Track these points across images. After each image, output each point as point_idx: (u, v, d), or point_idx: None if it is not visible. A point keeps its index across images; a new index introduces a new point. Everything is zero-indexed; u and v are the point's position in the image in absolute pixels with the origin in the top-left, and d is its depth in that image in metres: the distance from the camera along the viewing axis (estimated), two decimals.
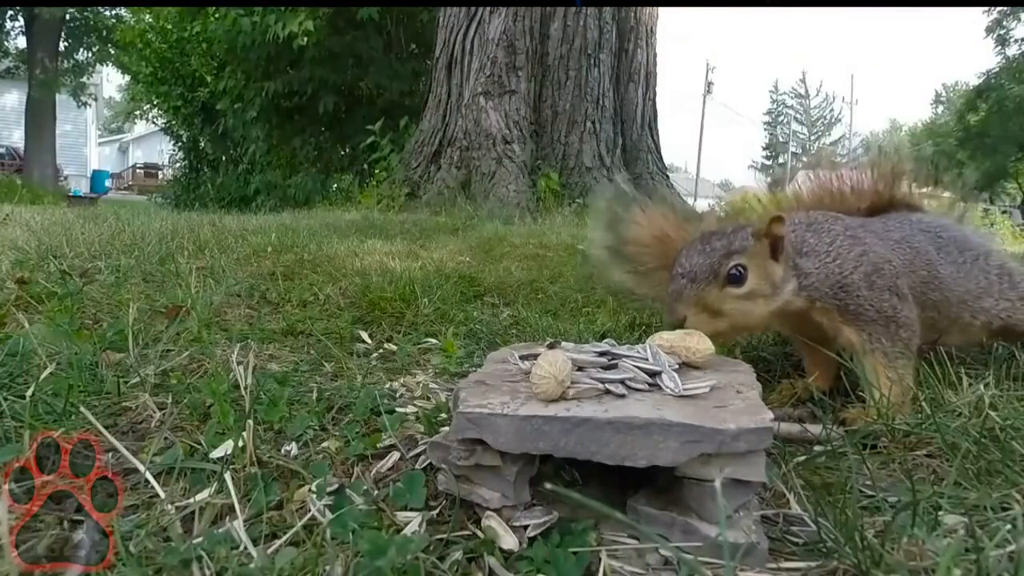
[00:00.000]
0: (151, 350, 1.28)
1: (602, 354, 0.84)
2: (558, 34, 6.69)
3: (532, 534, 0.70)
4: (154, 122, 18.86)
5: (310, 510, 0.73)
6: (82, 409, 0.84)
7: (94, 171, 25.68)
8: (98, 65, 20.78)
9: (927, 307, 1.18)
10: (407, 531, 0.71)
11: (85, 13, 18.90)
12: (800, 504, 0.79)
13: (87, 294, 1.69)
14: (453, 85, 6.76)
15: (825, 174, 1.40)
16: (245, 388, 0.93)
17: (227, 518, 0.72)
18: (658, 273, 1.23)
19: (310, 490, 0.77)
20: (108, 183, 26.01)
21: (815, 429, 1.00)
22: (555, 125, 6.70)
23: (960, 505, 0.76)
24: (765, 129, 51.07)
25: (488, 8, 6.53)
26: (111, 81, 31.45)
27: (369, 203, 6.15)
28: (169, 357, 1.25)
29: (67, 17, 18.48)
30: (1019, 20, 20.88)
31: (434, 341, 1.53)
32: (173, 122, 14.67)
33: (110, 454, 0.85)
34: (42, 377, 0.95)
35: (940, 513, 0.74)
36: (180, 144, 14.61)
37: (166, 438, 0.91)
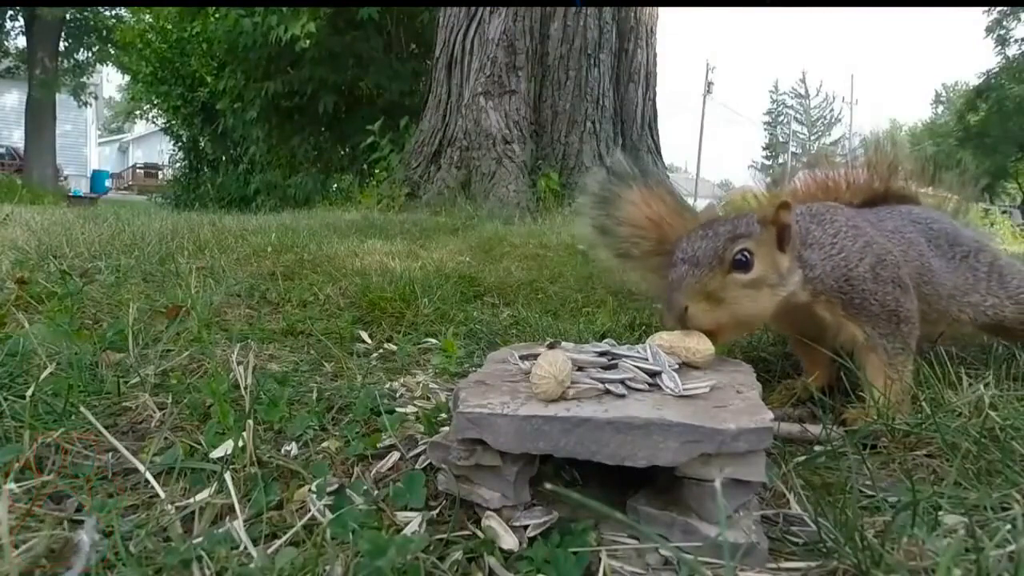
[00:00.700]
0: (151, 350, 1.28)
1: (602, 354, 0.84)
2: (558, 34, 6.69)
3: (532, 534, 0.70)
4: (154, 122, 18.88)
5: (310, 510, 0.73)
6: (82, 409, 0.84)
7: (94, 171, 25.68)
8: (98, 65, 20.78)
9: (920, 299, 1.17)
10: (407, 531, 0.71)
11: (85, 13, 18.90)
12: (800, 504, 0.79)
13: (87, 294, 1.69)
14: (453, 85, 6.75)
15: (820, 170, 1.40)
16: (245, 388, 0.94)
17: (227, 518, 0.72)
18: (651, 259, 1.17)
19: (310, 490, 0.77)
20: (108, 183, 26.01)
21: (815, 429, 1.00)
22: (555, 125, 6.70)
23: (960, 505, 0.76)
24: (765, 129, 51.08)
25: (488, 8, 6.53)
26: (111, 81, 31.46)
27: (369, 203, 6.15)
28: (169, 357, 1.25)
29: (67, 17, 18.48)
30: (1019, 20, 20.88)
31: (434, 341, 1.53)
32: (173, 122, 14.68)
33: (110, 454, 0.85)
34: (42, 377, 0.95)
35: (940, 513, 0.74)
36: (180, 144, 14.61)
37: (166, 438, 0.91)
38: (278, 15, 8.61)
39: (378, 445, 0.93)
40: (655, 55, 7.38)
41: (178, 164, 15.24)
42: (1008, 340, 1.40)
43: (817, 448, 0.96)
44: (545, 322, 1.69)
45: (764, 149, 51.18)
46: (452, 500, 0.76)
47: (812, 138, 48.78)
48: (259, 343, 1.45)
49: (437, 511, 0.77)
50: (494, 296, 2.04)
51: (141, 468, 0.78)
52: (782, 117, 50.76)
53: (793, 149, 45.77)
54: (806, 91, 50.05)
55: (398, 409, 1.05)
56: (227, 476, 0.76)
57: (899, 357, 1.08)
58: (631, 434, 0.68)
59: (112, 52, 18.56)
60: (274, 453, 0.88)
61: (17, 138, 21.25)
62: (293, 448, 0.92)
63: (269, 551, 0.66)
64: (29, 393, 0.86)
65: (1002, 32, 21.56)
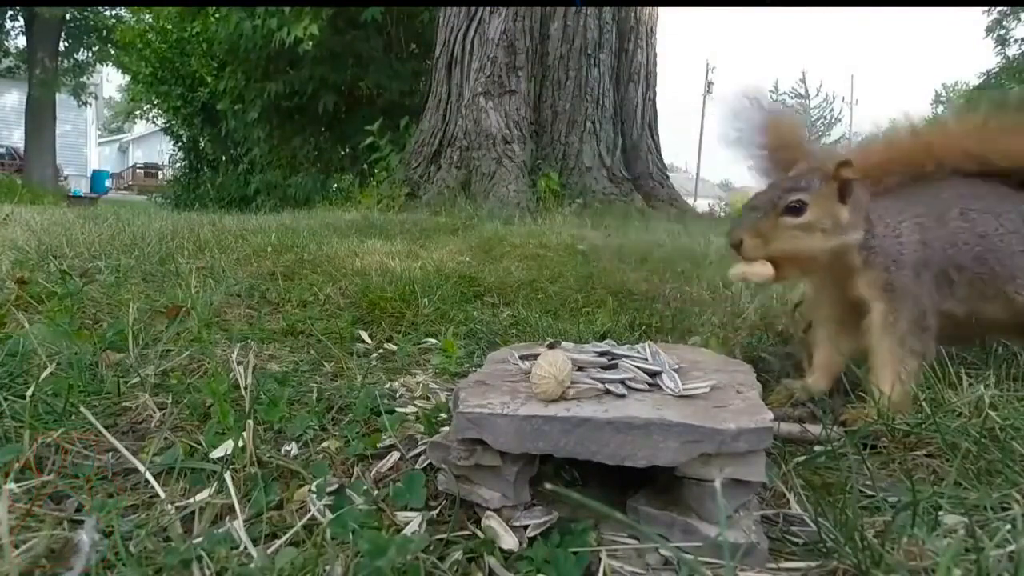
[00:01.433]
0: (151, 350, 1.28)
1: (602, 354, 0.84)
2: (558, 34, 6.69)
3: (532, 534, 0.70)
4: (154, 122, 18.86)
5: (310, 510, 0.73)
6: (82, 409, 0.84)
7: (94, 171, 25.66)
8: (98, 65, 20.76)
9: (979, 277, 1.19)
10: (407, 531, 0.71)
11: (85, 13, 18.89)
12: (800, 504, 0.79)
13: (87, 294, 1.69)
14: (453, 85, 6.75)
15: (899, 132, 1.31)
16: (245, 388, 0.93)
17: (227, 518, 0.72)
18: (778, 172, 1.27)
19: (310, 490, 0.77)
20: (108, 183, 25.99)
21: (815, 429, 1.00)
22: (555, 125, 6.70)
23: (960, 505, 0.76)
24: None
25: (488, 8, 6.53)
26: (111, 81, 31.49)
27: (369, 203, 6.15)
28: (169, 357, 1.25)
29: (67, 17, 18.46)
30: (1019, 20, 20.87)
31: (434, 341, 1.53)
32: (173, 122, 14.67)
33: (110, 454, 0.85)
34: (42, 377, 0.95)
35: (940, 513, 0.74)
36: (180, 144, 14.60)
37: (166, 438, 0.91)
38: (278, 17, 8.59)
39: (378, 445, 0.93)
40: (655, 55, 7.38)
41: (178, 164, 15.23)
42: None
43: (817, 448, 0.96)
44: (545, 322, 1.69)
45: None
46: (452, 500, 0.76)
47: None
48: (259, 343, 1.45)
49: (437, 511, 0.77)
50: (494, 296, 2.04)
51: (141, 468, 0.78)
52: None
53: None
54: (806, 91, 50.02)
55: (398, 409, 1.05)
56: (227, 476, 0.76)
57: (911, 358, 1.12)
58: (631, 434, 0.68)
59: (112, 52, 18.54)
60: (274, 453, 0.88)
61: (17, 138, 21.24)
62: (293, 448, 0.92)
63: (269, 551, 0.66)
64: (29, 393, 0.86)
65: (1002, 32, 21.54)
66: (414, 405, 1.09)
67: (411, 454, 0.91)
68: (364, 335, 1.55)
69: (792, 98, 50.62)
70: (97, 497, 0.75)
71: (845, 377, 1.27)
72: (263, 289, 1.93)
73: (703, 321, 1.68)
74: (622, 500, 0.74)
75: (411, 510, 0.76)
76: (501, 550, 0.68)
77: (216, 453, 0.85)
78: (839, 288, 1.20)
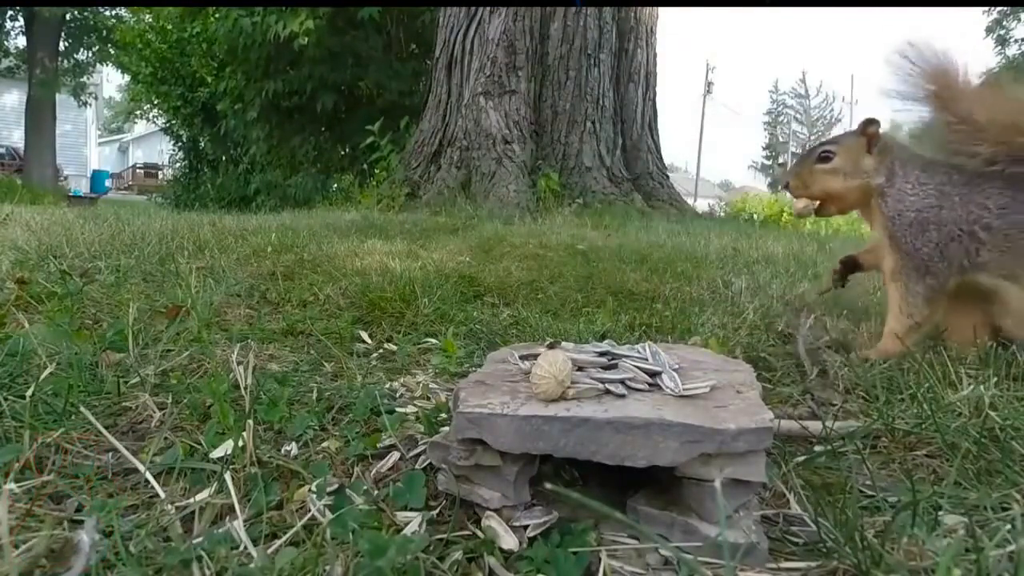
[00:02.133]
0: (151, 350, 1.28)
1: (602, 354, 0.84)
2: (558, 34, 6.70)
3: (532, 534, 0.70)
4: (154, 122, 18.88)
5: (310, 510, 0.73)
6: (82, 409, 0.84)
7: (94, 171, 25.65)
8: (98, 65, 20.75)
9: (1008, 241, 1.29)
10: (407, 531, 0.71)
11: (85, 13, 18.87)
12: (800, 504, 0.79)
13: (87, 294, 1.69)
14: (453, 85, 6.76)
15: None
16: (245, 388, 0.93)
17: (227, 518, 0.72)
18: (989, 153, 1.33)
19: (310, 490, 0.77)
20: (108, 183, 25.97)
21: (815, 427, 1.00)
22: (555, 125, 6.70)
23: (960, 505, 0.76)
24: (765, 129, 51.07)
25: (488, 8, 6.53)
26: (111, 81, 31.46)
27: (369, 203, 6.14)
28: (169, 357, 1.25)
29: (67, 17, 18.46)
30: (1019, 20, 20.86)
31: (434, 341, 1.53)
32: (173, 122, 14.67)
33: (110, 454, 0.85)
34: (42, 377, 0.95)
35: (940, 513, 0.74)
36: (180, 144, 14.61)
37: (166, 438, 0.91)
38: (277, 13, 8.61)
39: (378, 445, 0.93)
40: (655, 55, 7.39)
41: (178, 164, 15.24)
42: None
43: (817, 448, 0.96)
44: (545, 322, 1.69)
45: (764, 149, 51.18)
46: (452, 500, 0.76)
47: (812, 138, 48.71)
48: (259, 343, 1.45)
49: (437, 511, 0.77)
50: (494, 296, 2.04)
51: (141, 468, 0.78)
52: (782, 117, 50.76)
53: (793, 149, 45.74)
54: (806, 91, 50.04)
55: (398, 409, 1.05)
56: (227, 476, 0.76)
57: (915, 300, 1.32)
58: (631, 434, 0.68)
59: (112, 52, 18.53)
60: (274, 453, 0.88)
61: (17, 138, 21.24)
62: (293, 448, 0.92)
63: (269, 551, 0.66)
64: (29, 393, 0.86)
65: (1002, 32, 21.52)
66: (414, 405, 1.09)
67: (411, 454, 0.91)
68: (364, 335, 1.55)
69: (792, 98, 50.59)
70: (97, 497, 0.75)
71: (845, 377, 1.27)
72: (263, 289, 1.93)
73: (703, 321, 1.68)
74: (622, 500, 0.74)
75: (411, 510, 0.76)
76: (501, 550, 0.68)
77: (216, 453, 0.85)
78: (876, 221, 1.41)
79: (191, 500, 0.74)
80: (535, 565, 0.65)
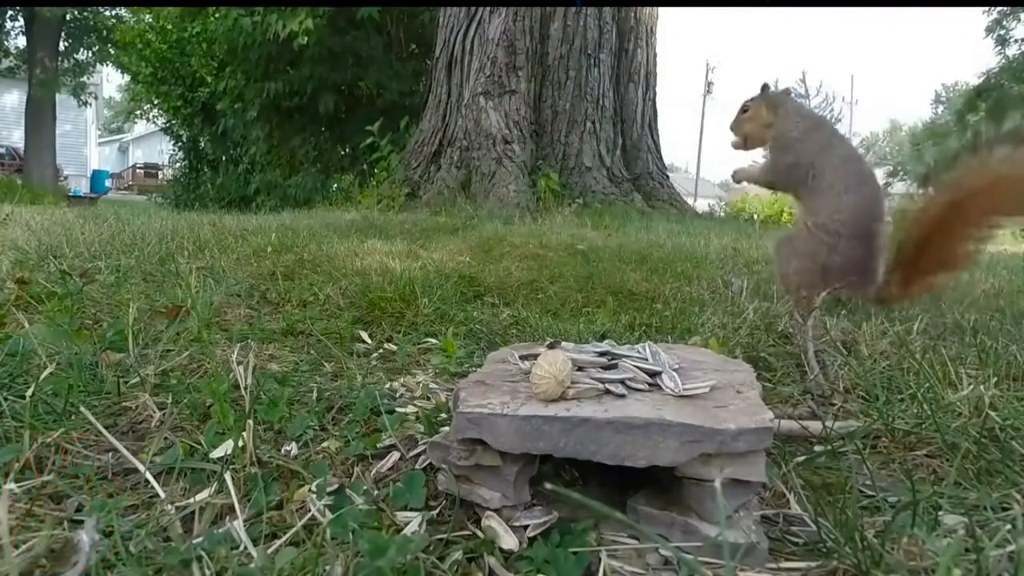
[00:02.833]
0: (151, 350, 1.29)
1: (602, 354, 0.84)
2: (558, 34, 6.70)
3: (532, 534, 0.70)
4: (154, 122, 18.86)
5: (310, 510, 0.73)
6: (82, 409, 0.84)
7: (94, 171, 25.64)
8: (98, 65, 20.75)
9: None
10: (407, 531, 0.71)
11: (85, 13, 18.87)
12: (800, 504, 0.79)
13: (87, 294, 1.69)
14: (453, 85, 6.76)
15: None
16: (245, 388, 0.93)
17: (227, 518, 0.71)
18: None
19: (310, 490, 0.77)
20: (108, 183, 25.97)
21: (815, 427, 1.00)
22: (555, 125, 6.70)
23: (960, 505, 0.76)
24: None
25: (488, 8, 6.54)
26: (111, 81, 31.41)
27: (369, 203, 6.15)
28: (169, 357, 1.25)
29: (67, 17, 18.45)
30: (1019, 20, 20.84)
31: (434, 341, 1.53)
32: (173, 122, 14.67)
33: (110, 454, 0.85)
34: (42, 377, 0.95)
35: (940, 513, 0.74)
36: (180, 144, 14.60)
37: (166, 438, 0.91)
38: (277, 12, 8.61)
39: (378, 445, 0.93)
40: (655, 55, 7.39)
41: (178, 164, 15.22)
42: None
43: (817, 448, 0.96)
44: (545, 322, 1.69)
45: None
46: (452, 500, 0.76)
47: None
48: (259, 343, 1.45)
49: (437, 511, 0.77)
50: (494, 296, 2.04)
51: (141, 468, 0.78)
52: None
53: None
54: (806, 91, 49.94)
55: (398, 409, 1.05)
56: (227, 476, 0.76)
57: (765, 178, 1.91)
58: (631, 434, 0.68)
59: (112, 52, 18.53)
60: (274, 453, 0.88)
61: (17, 138, 21.24)
62: (293, 448, 0.92)
63: (269, 551, 0.66)
64: (29, 393, 0.86)
65: (1002, 32, 21.50)
66: (414, 405, 1.09)
67: (411, 454, 0.91)
68: (364, 335, 1.55)
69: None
70: (97, 497, 0.74)
71: (844, 377, 1.27)
72: (263, 289, 1.93)
73: (703, 321, 1.68)
74: (622, 500, 0.74)
75: (411, 510, 0.76)
76: (501, 550, 0.68)
77: (216, 453, 0.85)
78: None
79: (191, 500, 0.74)
80: (535, 565, 0.65)
